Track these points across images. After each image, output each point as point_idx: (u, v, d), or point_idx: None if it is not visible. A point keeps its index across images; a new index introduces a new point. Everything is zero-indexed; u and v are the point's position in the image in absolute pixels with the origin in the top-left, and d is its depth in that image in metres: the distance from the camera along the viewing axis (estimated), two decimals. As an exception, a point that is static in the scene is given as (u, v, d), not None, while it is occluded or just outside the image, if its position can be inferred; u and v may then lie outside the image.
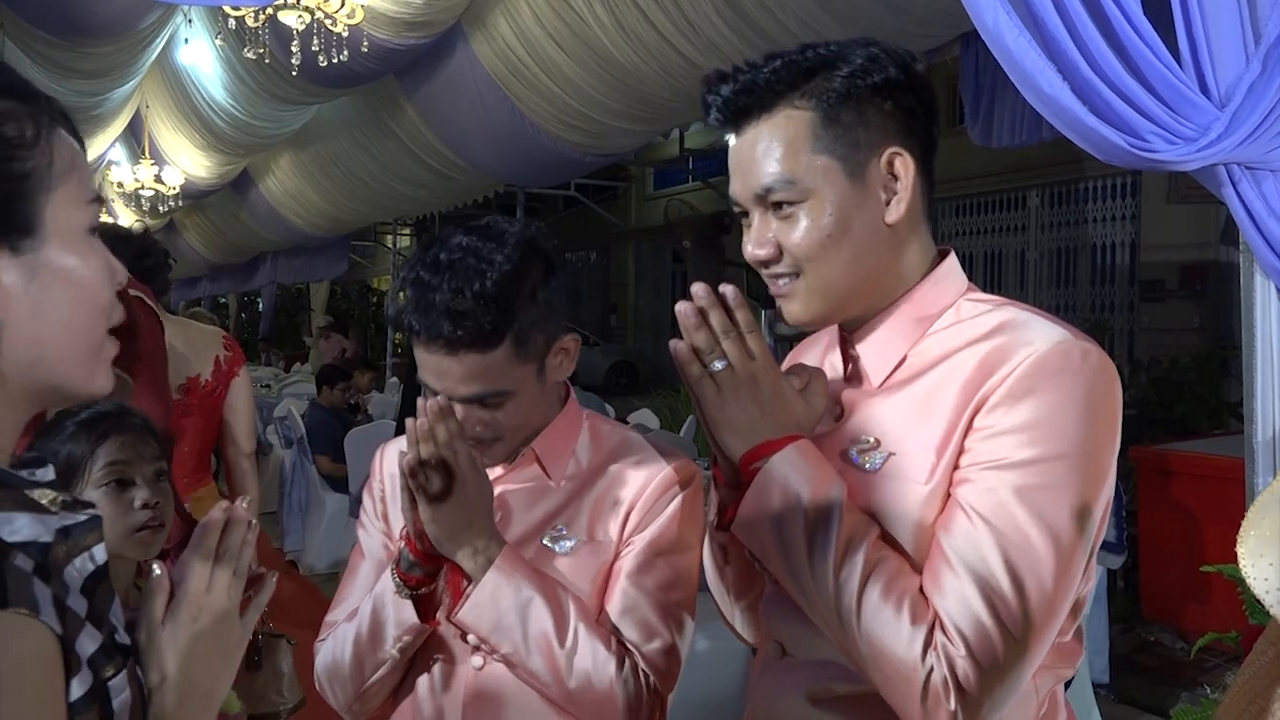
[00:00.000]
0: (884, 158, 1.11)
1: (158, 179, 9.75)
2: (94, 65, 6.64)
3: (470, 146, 6.92)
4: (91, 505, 0.80)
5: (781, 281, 1.14)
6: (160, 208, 10.72)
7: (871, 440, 1.11)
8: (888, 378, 1.14)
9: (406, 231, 14.62)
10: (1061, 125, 2.32)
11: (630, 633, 1.29)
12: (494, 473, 1.34)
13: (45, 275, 0.75)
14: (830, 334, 1.27)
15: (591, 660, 1.25)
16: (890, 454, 1.09)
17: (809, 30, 4.19)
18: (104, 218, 2.54)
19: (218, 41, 6.42)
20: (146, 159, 9.64)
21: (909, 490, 1.06)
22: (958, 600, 0.99)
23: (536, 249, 1.29)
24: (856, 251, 1.11)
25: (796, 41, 3.77)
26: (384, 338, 13.71)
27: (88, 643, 0.71)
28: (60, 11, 5.14)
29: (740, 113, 1.13)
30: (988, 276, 11.79)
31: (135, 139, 9.69)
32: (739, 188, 1.14)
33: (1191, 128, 2.26)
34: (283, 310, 16.49)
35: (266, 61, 5.73)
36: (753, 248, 1.13)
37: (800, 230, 1.10)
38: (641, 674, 1.27)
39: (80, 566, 0.74)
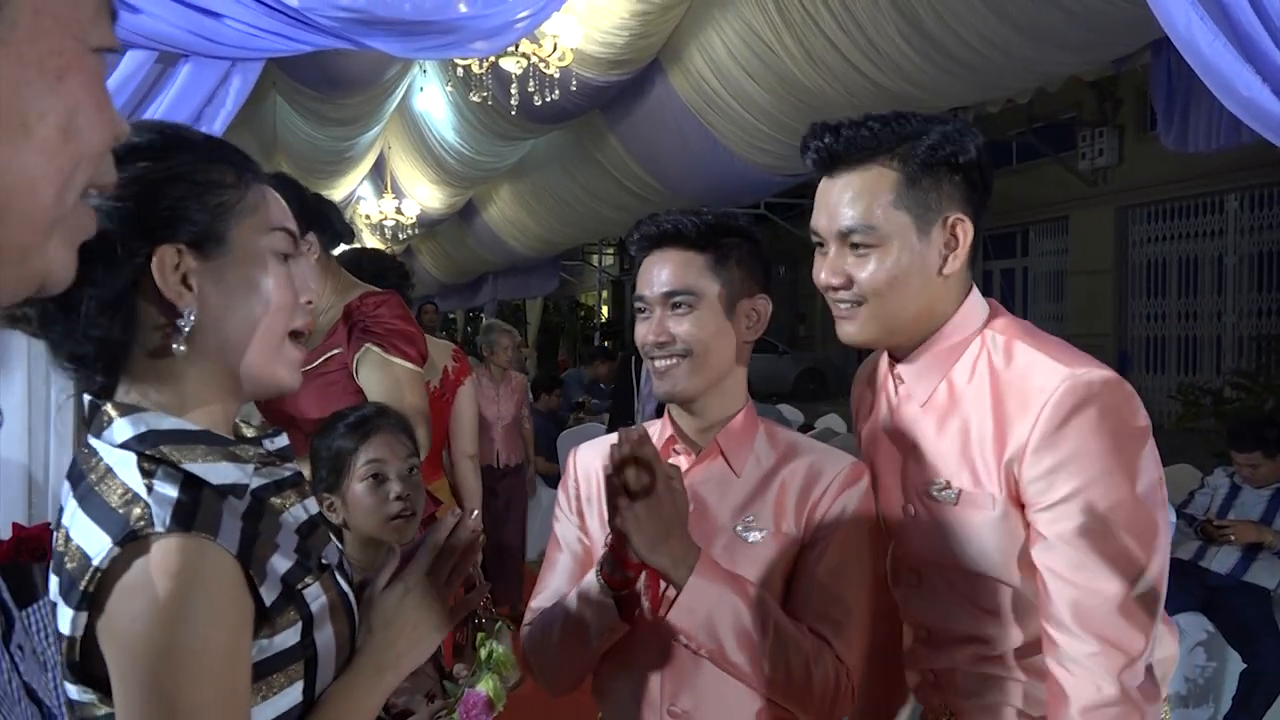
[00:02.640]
0: (949, 221, 1.26)
1: (398, 210, 10.39)
2: (346, 114, 7.16)
3: (667, 171, 7.02)
4: (291, 462, 1.02)
5: (845, 306, 1.29)
6: (400, 235, 11.43)
7: (944, 482, 1.27)
8: (928, 399, 1.30)
9: (610, 251, 14.98)
10: (1262, 128, 2.13)
11: (824, 628, 1.28)
12: (683, 464, 1.37)
13: (230, 279, 0.91)
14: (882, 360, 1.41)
15: (789, 652, 1.25)
16: (960, 490, 1.26)
17: (992, 46, 4.02)
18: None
19: (448, 88, 6.79)
20: (389, 193, 10.31)
21: (982, 518, 1.25)
22: None
23: (746, 228, 1.41)
24: (913, 294, 1.26)
25: (979, 58, 3.69)
26: (590, 347, 14.07)
27: (281, 562, 0.89)
28: (320, 69, 5.56)
29: (836, 159, 1.27)
30: (1182, 283, 10.92)
31: (379, 176, 10.37)
32: (824, 222, 1.28)
33: None
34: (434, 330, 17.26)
35: (489, 103, 6.01)
36: (826, 275, 1.28)
37: (870, 269, 1.25)
38: (835, 664, 1.26)
39: (295, 514, 0.97)
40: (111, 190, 0.64)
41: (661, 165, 6.96)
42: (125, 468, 0.86)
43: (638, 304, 1.37)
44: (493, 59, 5.16)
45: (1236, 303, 10.08)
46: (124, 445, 0.88)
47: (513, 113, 5.78)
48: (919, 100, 4.81)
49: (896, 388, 1.35)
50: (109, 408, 0.90)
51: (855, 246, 1.25)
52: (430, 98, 7.65)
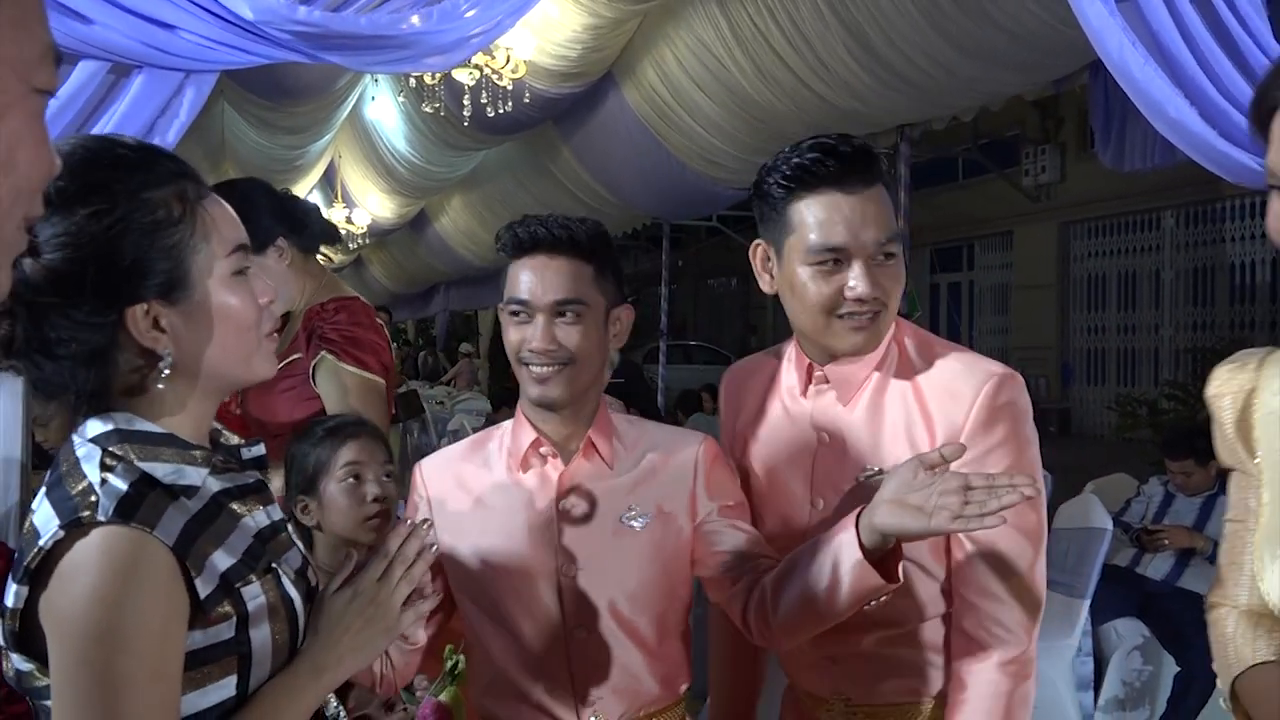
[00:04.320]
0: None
1: (349, 220, 10.30)
2: (296, 122, 7.10)
3: (621, 183, 7.07)
4: (260, 475, 1.08)
5: (866, 316, 1.34)
6: (350, 245, 11.33)
7: (874, 469, 1.35)
8: (853, 397, 1.39)
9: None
10: (1191, 150, 2.23)
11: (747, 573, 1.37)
12: (561, 467, 1.40)
13: (198, 314, 0.97)
14: (781, 361, 1.49)
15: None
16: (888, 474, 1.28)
17: (937, 65, 4.13)
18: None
19: (400, 98, 6.77)
20: (339, 202, 10.22)
21: None
22: None
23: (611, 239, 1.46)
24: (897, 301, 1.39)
25: (925, 76, 3.79)
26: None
27: (223, 559, 0.95)
28: (270, 78, 5.52)
29: (854, 176, 1.33)
30: (1121, 297, 11.21)
31: (330, 185, 10.28)
32: (854, 236, 1.32)
33: (1326, 147, 2.13)
34: (454, 334, 17.12)
35: (442, 114, 6.01)
36: (868, 288, 1.32)
37: (894, 279, 1.35)
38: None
39: (256, 519, 1.02)
40: (37, 220, 0.69)
41: (614, 177, 7.01)
42: (90, 461, 0.94)
43: (513, 307, 1.37)
44: (445, 70, 5.17)
45: (1173, 316, 10.38)
46: (93, 440, 0.95)
47: (465, 123, 5.79)
48: (866, 116, 4.92)
49: (807, 388, 1.43)
50: (86, 409, 0.98)
51: (888, 257, 1.34)
52: (382, 107, 7.62)
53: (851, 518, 1.23)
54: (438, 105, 5.83)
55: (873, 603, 1.24)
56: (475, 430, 6.77)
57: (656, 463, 1.41)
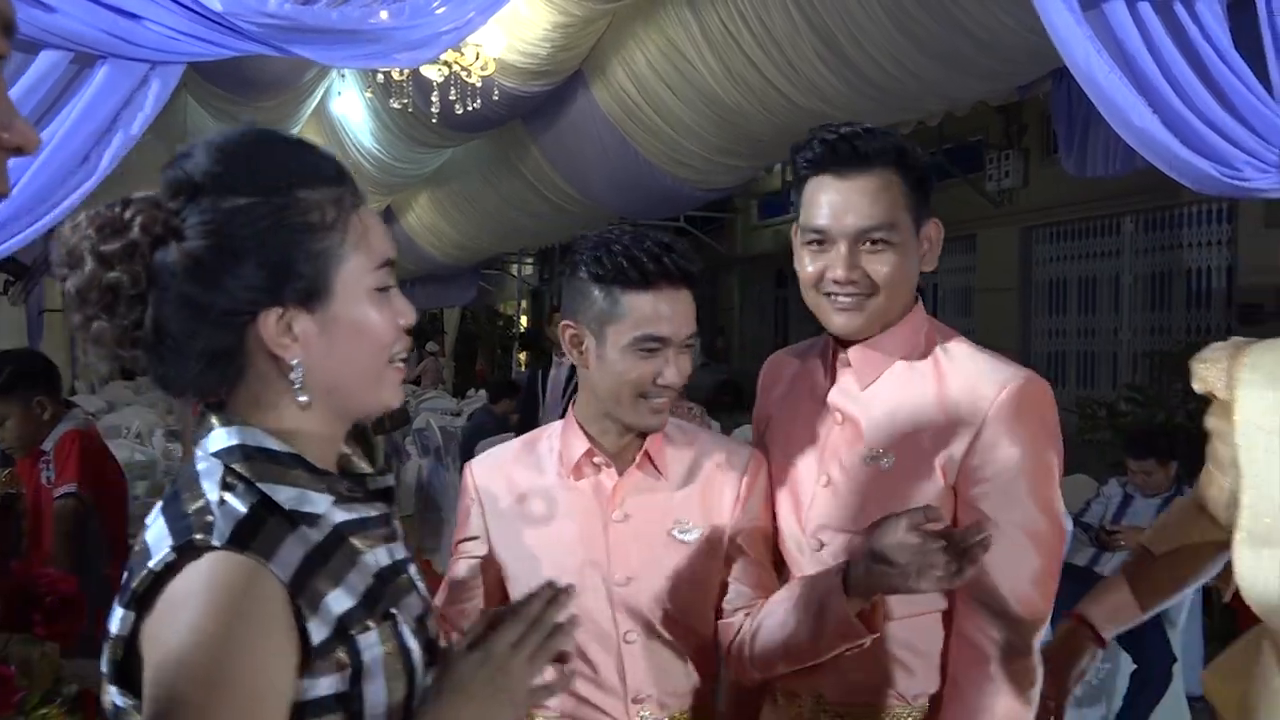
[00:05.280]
0: (928, 223, 1.41)
1: (313, 216, 10.18)
2: (263, 117, 7.00)
3: (589, 183, 7.06)
4: (387, 507, 0.99)
5: (849, 299, 1.37)
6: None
7: (880, 450, 1.37)
8: (874, 380, 1.40)
9: (530, 261, 14.94)
10: (1153, 157, 2.27)
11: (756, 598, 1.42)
12: (615, 477, 1.42)
13: (334, 328, 0.91)
14: (817, 347, 1.51)
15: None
16: (896, 459, 1.36)
17: (904, 70, 4.16)
18: None
19: (367, 94, 6.71)
20: (303, 198, 10.09)
21: (916, 487, 1.34)
22: None
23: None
24: (907, 288, 1.40)
25: (892, 80, 3.82)
26: (509, 357, 13.99)
27: (340, 600, 0.87)
28: (235, 71, 5.45)
29: (848, 161, 1.35)
30: (1082, 301, 11.39)
31: (294, 181, 10.15)
32: (836, 220, 1.36)
33: (1283, 156, 2.18)
34: (420, 332, 17.03)
35: (410, 110, 5.97)
36: (844, 271, 1.35)
37: (888, 264, 1.36)
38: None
39: (378, 557, 0.94)
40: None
41: (582, 176, 7.00)
42: (210, 477, 0.88)
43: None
44: (415, 66, 5.13)
45: (1131, 320, 10.55)
46: (216, 454, 0.89)
47: (433, 120, 5.75)
48: (834, 119, 4.94)
49: (833, 370, 1.44)
50: (214, 417, 0.92)
51: (874, 243, 1.35)
52: (348, 102, 7.54)
53: (837, 569, 1.27)
54: (406, 101, 5.79)
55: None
56: (443, 429, 6.68)
57: (708, 473, 1.44)
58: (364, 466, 1.02)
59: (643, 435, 1.42)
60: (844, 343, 1.43)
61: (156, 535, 0.85)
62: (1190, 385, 1.40)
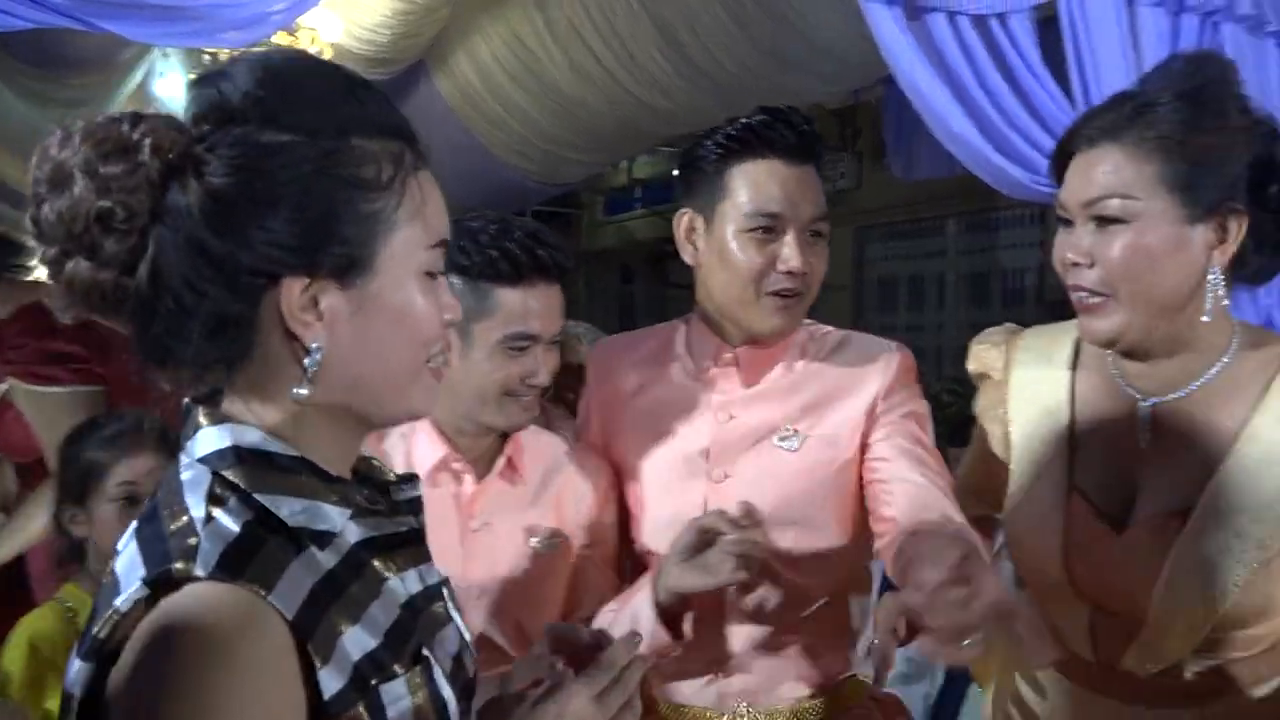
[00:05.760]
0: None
1: (133, 203, 9.57)
2: (73, 96, 6.51)
3: (431, 172, 6.91)
4: (415, 522, 0.81)
5: (792, 297, 1.38)
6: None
7: (791, 430, 1.37)
8: (757, 381, 1.41)
9: (371, 254, 14.48)
10: (970, 162, 2.41)
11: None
12: (473, 484, 1.37)
13: (371, 309, 0.74)
14: (666, 341, 1.49)
15: None
16: (806, 436, 1.37)
17: (744, 69, 4.27)
18: None
19: (191, 75, 6.34)
20: (122, 184, 9.47)
21: (822, 461, 1.37)
22: None
23: None
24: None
25: (732, 79, 3.91)
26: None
27: (360, 641, 0.69)
28: (41, 46, 5.05)
29: (801, 148, 1.37)
30: (910, 299, 11.98)
31: (111, 165, 9.51)
32: (805, 209, 1.36)
33: (1084, 164, 2.35)
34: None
35: (239, 94, 5.66)
36: (800, 262, 1.35)
37: (820, 257, 1.40)
38: None
39: (407, 583, 0.76)
40: None
41: (425, 167, 6.86)
42: (196, 489, 0.70)
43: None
44: (243, 48, 4.89)
45: (955, 317, 11.18)
46: (204, 460, 0.72)
47: (266, 105, 5.49)
48: (677, 115, 5.02)
49: (709, 368, 1.43)
50: (200, 414, 0.75)
51: (816, 236, 1.41)
52: (173, 84, 7.11)
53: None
54: (235, 84, 5.50)
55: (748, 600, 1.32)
56: None
57: (563, 480, 1.44)
58: (387, 472, 0.86)
59: (504, 437, 1.37)
60: (728, 340, 1.40)
61: (126, 565, 0.68)
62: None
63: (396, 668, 0.71)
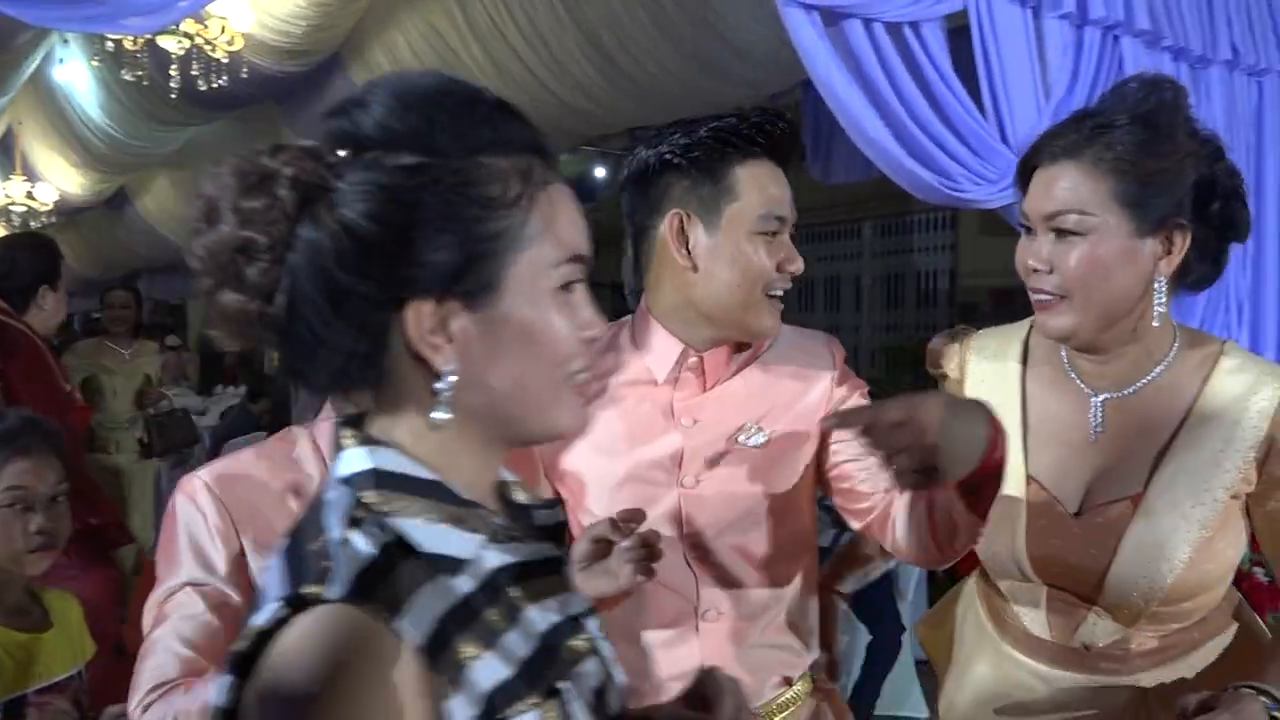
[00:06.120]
0: None
1: (30, 195, 9.15)
2: (-37, 81, 6.22)
3: (348, 170, 6.78)
4: (557, 549, 0.79)
5: (781, 298, 1.40)
6: (32, 223, 10.07)
7: (754, 427, 1.39)
8: (717, 384, 1.42)
9: (285, 250, 14.13)
10: (885, 167, 2.46)
11: None
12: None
13: (500, 331, 0.73)
14: (612, 346, 1.46)
15: None
16: (771, 432, 1.40)
17: (665, 71, 4.29)
18: None
19: (94, 62, 6.11)
20: (19, 174, 9.05)
21: (789, 456, 1.41)
22: None
23: None
24: None
25: (654, 81, 3.92)
26: (263, 353, 13.17)
27: (493, 671, 0.68)
28: (-71, 26, 4.80)
29: (788, 151, 1.40)
30: (827, 299, 12.19)
31: (7, 155, 9.09)
32: (793, 212, 1.40)
33: (993, 170, 2.42)
34: (159, 325, 15.73)
35: (145, 83, 5.49)
36: (801, 264, 1.39)
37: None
38: None
39: (545, 613, 0.74)
40: None
41: (342, 163, 6.71)
42: (336, 510, 0.70)
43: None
44: (149, 35, 4.72)
45: (870, 318, 11.42)
46: (347, 480, 0.72)
47: (173, 96, 5.31)
48: (599, 117, 5.02)
49: (671, 374, 1.41)
50: (348, 434, 0.75)
51: (791, 239, 1.43)
52: (73, 71, 6.83)
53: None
54: (140, 74, 5.31)
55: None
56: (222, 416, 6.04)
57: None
58: (526, 496, 0.84)
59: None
60: (692, 344, 1.39)
61: (271, 577, 0.69)
62: (918, 377, 1.59)
63: (532, 699, 0.70)
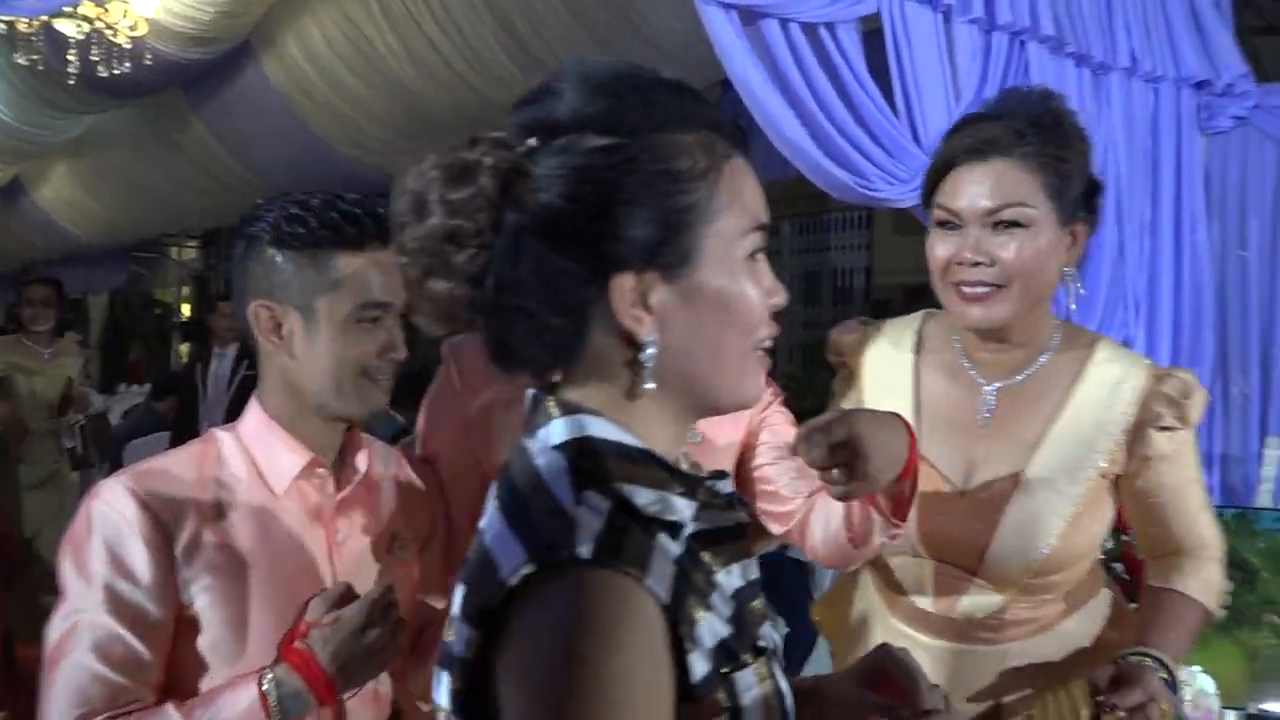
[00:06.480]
0: None
1: (-85, 183, 8.70)
2: None
3: (261, 162, 6.59)
4: (739, 512, 0.83)
5: None
6: (-82, 213, 9.57)
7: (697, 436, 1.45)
8: None
9: (193, 243, 13.70)
10: (801, 165, 2.49)
11: None
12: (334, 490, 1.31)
13: (697, 300, 0.77)
14: None
15: None
16: (701, 434, 1.45)
17: (586, 68, 4.28)
18: None
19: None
20: (-97, 162, 8.59)
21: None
22: None
23: None
24: None
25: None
26: (168, 349, 12.79)
27: (715, 629, 0.73)
28: None
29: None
30: (747, 295, 12.34)
31: (-111, 140, 8.61)
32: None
33: (905, 170, 2.47)
34: (59, 321, 15.11)
35: (40, 68, 5.26)
36: None
37: None
38: None
39: (731, 578, 0.79)
40: None
41: (252, 154, 6.52)
42: (556, 476, 0.74)
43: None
44: (44, 17, 4.52)
45: (789, 315, 11.60)
46: (558, 448, 0.76)
47: (70, 82, 5.10)
48: (519, 112, 4.98)
49: None
50: (551, 404, 0.79)
51: None
52: (-37, 54, 6.51)
53: None
54: (35, 58, 5.08)
55: None
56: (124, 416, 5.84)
57: (402, 485, 1.40)
58: (696, 468, 0.87)
59: (347, 431, 1.26)
60: None
61: (499, 540, 0.72)
62: (834, 373, 1.69)
63: (745, 657, 0.75)
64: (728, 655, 0.74)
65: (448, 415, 1.49)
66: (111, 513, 1.13)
